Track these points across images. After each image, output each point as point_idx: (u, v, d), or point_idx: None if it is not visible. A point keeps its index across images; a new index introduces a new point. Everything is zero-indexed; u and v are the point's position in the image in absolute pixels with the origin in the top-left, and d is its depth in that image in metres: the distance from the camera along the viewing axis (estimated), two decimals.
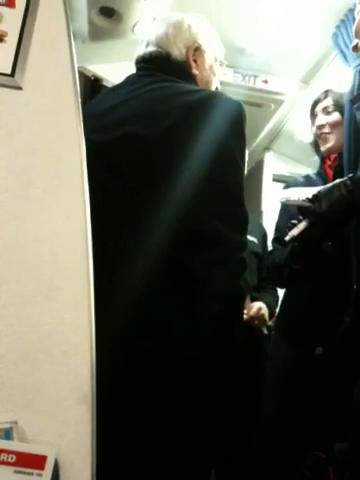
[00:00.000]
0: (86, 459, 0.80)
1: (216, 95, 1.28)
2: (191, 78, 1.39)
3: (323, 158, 2.14)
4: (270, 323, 2.64)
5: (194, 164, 1.16)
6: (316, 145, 2.20)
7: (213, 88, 1.49)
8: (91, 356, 0.84)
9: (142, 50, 1.42)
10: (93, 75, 2.61)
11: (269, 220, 3.05)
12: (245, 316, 2.33)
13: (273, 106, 3.15)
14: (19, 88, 0.95)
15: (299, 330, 1.99)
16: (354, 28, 1.51)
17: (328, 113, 2.10)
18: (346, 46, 2.31)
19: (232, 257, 1.16)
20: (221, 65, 1.53)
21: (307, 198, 1.39)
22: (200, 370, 1.11)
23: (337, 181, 1.35)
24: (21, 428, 0.78)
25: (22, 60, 0.96)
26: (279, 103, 3.11)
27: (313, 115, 2.17)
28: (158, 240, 1.13)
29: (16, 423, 0.78)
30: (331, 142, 2.08)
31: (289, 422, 1.90)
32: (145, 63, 1.40)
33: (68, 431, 0.81)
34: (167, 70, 1.35)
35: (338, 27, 2.45)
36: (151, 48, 1.40)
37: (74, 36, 1.03)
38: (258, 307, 2.40)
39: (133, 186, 1.18)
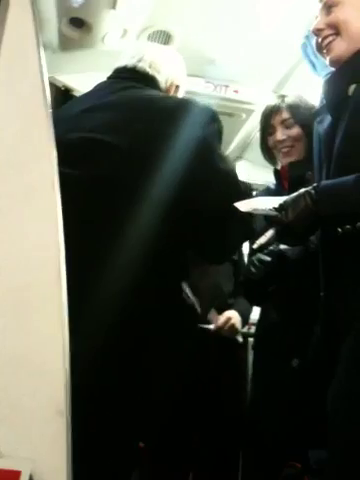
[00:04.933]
0: (61, 474, 0.79)
1: (191, 101, 1.37)
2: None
3: (278, 171, 2.15)
4: (245, 330, 2.64)
5: (178, 165, 1.22)
6: (270, 155, 2.18)
7: None
8: (65, 371, 0.83)
9: (132, 62, 1.44)
10: (63, 85, 2.60)
11: None
12: (213, 327, 2.33)
13: (244, 115, 3.17)
14: None
15: (274, 343, 2.02)
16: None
17: (287, 127, 2.07)
18: (315, 56, 2.34)
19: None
20: None
21: (274, 207, 1.41)
22: (178, 381, 1.12)
23: (302, 190, 1.38)
24: None
25: None
26: (250, 113, 3.13)
27: (269, 126, 2.13)
28: (146, 252, 1.15)
29: None
30: (294, 156, 2.06)
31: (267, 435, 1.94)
32: (126, 72, 1.43)
33: (43, 446, 0.79)
34: (145, 84, 1.41)
35: (307, 37, 2.49)
36: (142, 64, 1.45)
37: (44, 47, 1.03)
38: (227, 317, 2.39)
39: (118, 190, 1.23)
